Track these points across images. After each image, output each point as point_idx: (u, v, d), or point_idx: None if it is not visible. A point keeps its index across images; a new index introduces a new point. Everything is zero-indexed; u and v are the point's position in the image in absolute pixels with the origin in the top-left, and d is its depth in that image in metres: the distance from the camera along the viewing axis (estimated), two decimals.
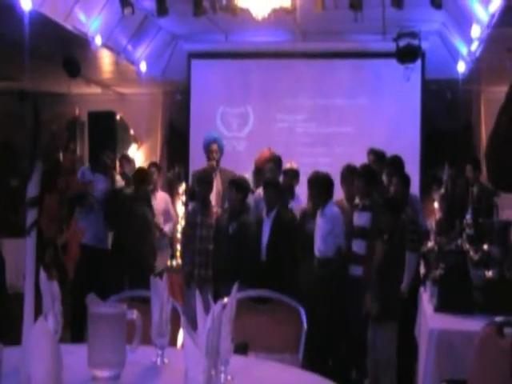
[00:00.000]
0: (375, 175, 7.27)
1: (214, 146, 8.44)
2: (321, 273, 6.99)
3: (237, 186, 7.29)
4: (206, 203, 7.51)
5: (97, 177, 8.27)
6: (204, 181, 7.57)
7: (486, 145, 2.11)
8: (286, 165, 8.23)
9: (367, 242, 6.79)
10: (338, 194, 7.57)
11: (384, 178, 7.66)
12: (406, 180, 7.23)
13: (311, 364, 5.38)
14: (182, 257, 7.41)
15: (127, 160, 8.48)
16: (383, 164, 7.78)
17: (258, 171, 8.27)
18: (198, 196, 7.64)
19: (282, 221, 7.07)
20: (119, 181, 8.72)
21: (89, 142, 11.01)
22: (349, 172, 7.39)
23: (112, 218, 8.10)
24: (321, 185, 7.22)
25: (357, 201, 7.14)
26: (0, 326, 5.46)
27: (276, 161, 8.15)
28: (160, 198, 8.49)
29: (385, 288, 6.27)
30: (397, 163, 7.64)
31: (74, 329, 7.41)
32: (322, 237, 7.04)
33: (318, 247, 7.07)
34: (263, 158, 8.51)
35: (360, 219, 6.95)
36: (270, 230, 7.02)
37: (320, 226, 7.07)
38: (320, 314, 6.91)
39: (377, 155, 7.86)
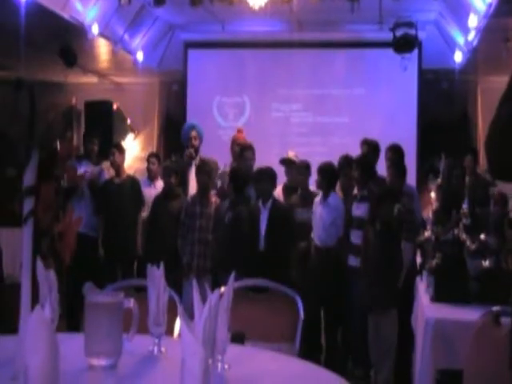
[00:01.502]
0: (372, 165, 7.28)
1: (193, 133, 8.55)
2: (321, 262, 7.01)
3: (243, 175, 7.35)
4: (204, 193, 7.48)
5: (85, 164, 8.35)
6: (203, 170, 7.55)
7: (487, 134, 2.10)
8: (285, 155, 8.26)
9: (364, 233, 6.81)
10: None
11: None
12: (401, 170, 7.23)
13: (307, 353, 5.39)
14: (181, 247, 7.40)
15: (119, 150, 8.45)
16: (377, 154, 7.78)
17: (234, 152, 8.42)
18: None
19: (278, 210, 7.05)
20: (108, 169, 8.71)
21: (85, 131, 11.01)
22: (346, 162, 7.39)
23: (101, 208, 8.20)
24: (330, 174, 7.25)
25: (355, 191, 7.14)
26: None
27: (252, 148, 8.15)
28: (159, 187, 8.51)
29: (385, 276, 6.27)
30: (395, 152, 7.66)
31: (70, 317, 7.43)
32: (325, 226, 7.06)
33: (319, 236, 7.07)
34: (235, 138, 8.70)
35: (358, 210, 6.95)
36: (268, 219, 7.00)
37: (322, 215, 7.07)
38: (318, 304, 6.96)
39: (370, 146, 7.85)
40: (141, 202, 8.30)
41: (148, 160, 8.97)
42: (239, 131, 8.93)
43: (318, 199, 7.29)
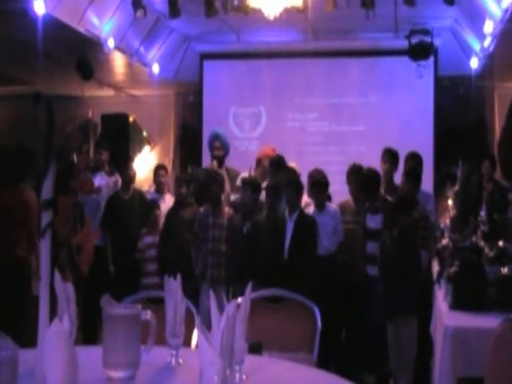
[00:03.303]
0: (378, 177, 7.30)
1: (217, 143, 8.40)
2: (329, 270, 7.02)
3: (252, 187, 7.29)
4: (217, 204, 7.45)
5: (99, 175, 8.42)
6: (215, 181, 7.53)
7: (500, 136, 2.11)
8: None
9: (380, 241, 6.82)
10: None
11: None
12: (416, 178, 7.26)
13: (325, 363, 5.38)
14: (195, 259, 7.38)
15: (131, 164, 8.50)
16: (396, 162, 7.80)
17: (258, 163, 8.29)
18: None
19: (304, 222, 7.04)
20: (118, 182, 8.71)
21: (96, 143, 11.04)
22: (354, 171, 7.44)
23: (108, 222, 8.20)
24: (326, 185, 7.37)
25: (368, 203, 7.18)
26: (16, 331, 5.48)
27: (275, 165, 7.91)
28: (169, 201, 8.47)
29: (405, 284, 6.26)
30: (414, 160, 7.71)
31: (86, 329, 7.44)
32: (327, 234, 7.11)
33: (323, 245, 7.09)
34: (264, 152, 8.52)
35: (372, 221, 6.98)
36: (293, 230, 6.99)
37: (324, 224, 7.11)
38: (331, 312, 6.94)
39: (392, 155, 7.85)
40: (149, 216, 8.27)
41: (155, 172, 8.74)
42: (273, 150, 8.59)
43: (311, 210, 7.32)
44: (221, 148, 8.42)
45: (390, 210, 6.62)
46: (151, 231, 7.95)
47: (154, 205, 8.03)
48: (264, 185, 7.61)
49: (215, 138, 8.52)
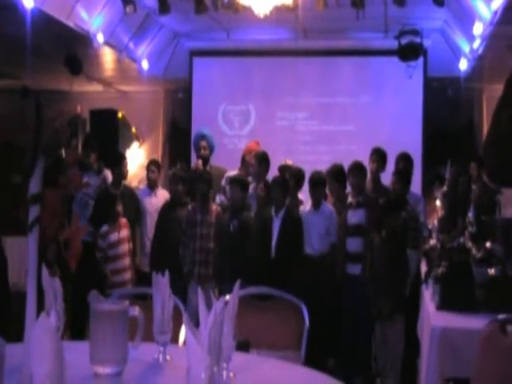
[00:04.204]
0: (366, 172, 7.34)
1: (203, 143, 8.49)
2: (317, 270, 7.01)
3: (241, 185, 7.29)
4: (205, 201, 7.47)
5: (88, 173, 8.38)
6: (203, 179, 7.53)
7: (485, 139, 2.11)
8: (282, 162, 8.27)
9: (364, 239, 6.83)
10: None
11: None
12: (406, 178, 7.27)
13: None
14: (182, 256, 7.39)
15: (124, 161, 8.49)
16: (384, 162, 7.82)
17: (243, 159, 8.32)
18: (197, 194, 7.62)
19: (291, 220, 7.06)
20: (109, 177, 8.69)
21: (83, 144, 10.98)
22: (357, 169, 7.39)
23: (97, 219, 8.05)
24: (323, 184, 7.33)
25: (349, 199, 7.18)
26: (2, 326, 5.45)
27: (262, 160, 7.92)
28: (160, 196, 8.48)
29: (393, 285, 6.28)
30: (404, 161, 7.72)
31: (74, 325, 7.41)
32: (319, 235, 7.10)
33: (312, 245, 7.09)
34: (248, 147, 8.57)
35: (354, 217, 6.99)
36: (280, 229, 7.00)
37: (316, 224, 7.12)
38: (318, 313, 6.93)
39: (380, 155, 7.86)
40: (139, 213, 8.27)
41: (148, 168, 8.78)
42: (256, 143, 8.72)
43: (306, 209, 7.33)
44: (207, 148, 8.51)
45: (378, 210, 6.63)
46: (114, 228, 7.62)
47: (114, 199, 7.74)
48: (250, 180, 7.66)
49: (201, 137, 8.62)
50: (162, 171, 9.45)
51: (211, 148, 8.61)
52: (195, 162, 8.55)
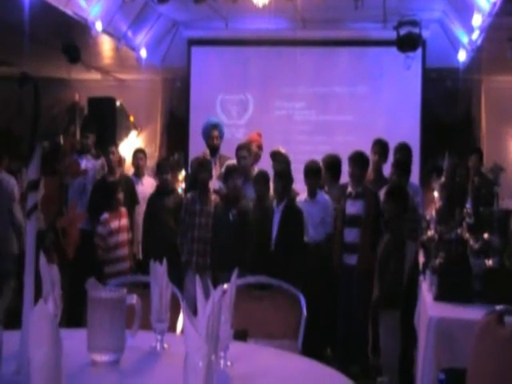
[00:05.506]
0: (368, 162, 7.30)
1: (215, 132, 8.38)
2: (311, 258, 7.01)
3: (238, 174, 7.28)
4: (204, 191, 7.46)
5: (86, 158, 8.36)
6: (203, 168, 7.52)
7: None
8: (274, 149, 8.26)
9: (361, 230, 6.83)
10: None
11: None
12: (406, 169, 7.26)
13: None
14: (180, 245, 7.38)
15: (116, 149, 8.48)
16: (386, 154, 7.80)
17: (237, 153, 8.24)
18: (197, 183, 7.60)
19: (292, 212, 7.04)
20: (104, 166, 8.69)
21: (82, 126, 10.96)
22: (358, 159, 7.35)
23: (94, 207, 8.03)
24: (317, 173, 7.30)
25: (349, 189, 7.16)
26: None
27: (249, 148, 7.93)
28: (147, 183, 8.49)
29: (387, 277, 6.28)
30: (404, 151, 7.71)
31: (71, 312, 7.40)
32: (314, 224, 7.09)
33: (308, 233, 7.09)
34: (250, 137, 8.59)
35: (353, 207, 6.98)
36: (280, 220, 6.98)
37: (312, 213, 7.10)
38: (315, 302, 6.93)
39: (382, 146, 7.83)
40: (135, 200, 8.26)
41: (135, 155, 8.84)
42: (259, 135, 8.67)
43: (302, 198, 7.32)
44: (219, 137, 8.41)
45: (371, 198, 6.65)
46: (115, 216, 7.57)
47: (115, 187, 7.73)
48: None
49: (213, 127, 8.45)
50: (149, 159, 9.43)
51: (222, 137, 8.52)
52: (203, 151, 8.47)
